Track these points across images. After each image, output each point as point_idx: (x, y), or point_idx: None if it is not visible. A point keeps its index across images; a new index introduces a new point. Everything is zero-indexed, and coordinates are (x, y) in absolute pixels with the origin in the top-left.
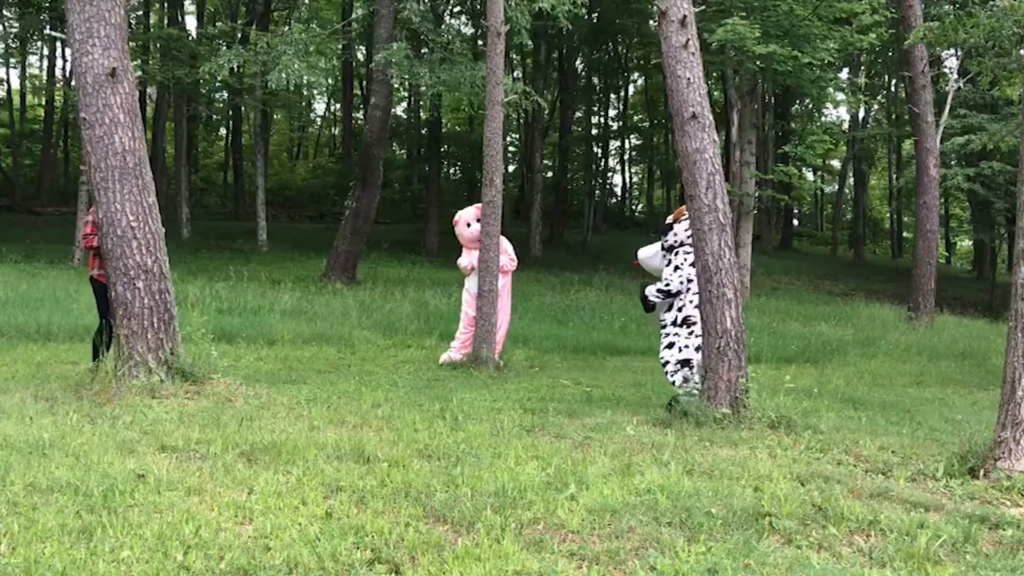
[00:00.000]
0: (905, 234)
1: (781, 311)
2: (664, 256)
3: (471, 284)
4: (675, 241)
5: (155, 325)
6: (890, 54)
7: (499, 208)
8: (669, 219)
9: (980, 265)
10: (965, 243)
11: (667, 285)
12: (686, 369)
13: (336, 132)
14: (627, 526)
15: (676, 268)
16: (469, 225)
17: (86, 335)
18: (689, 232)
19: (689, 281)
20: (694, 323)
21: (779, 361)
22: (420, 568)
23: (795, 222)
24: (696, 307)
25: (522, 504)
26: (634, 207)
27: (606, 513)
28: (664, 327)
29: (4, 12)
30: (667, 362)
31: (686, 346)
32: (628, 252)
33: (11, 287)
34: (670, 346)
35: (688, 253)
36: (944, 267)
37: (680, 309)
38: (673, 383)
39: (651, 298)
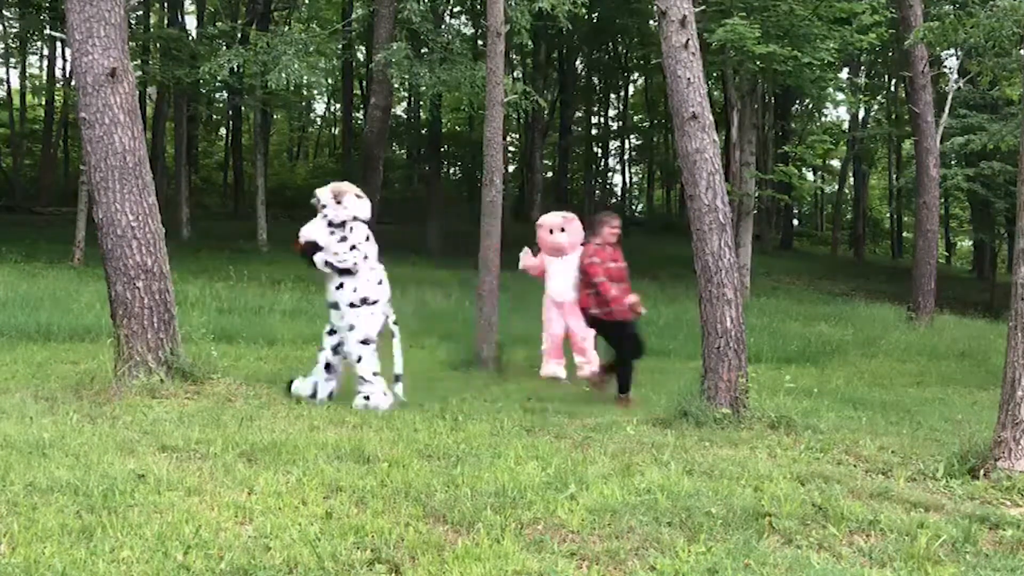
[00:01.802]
0: (905, 234)
1: (781, 311)
2: (333, 231)
3: (551, 288)
4: (347, 216)
5: (155, 325)
6: (890, 54)
7: (499, 208)
8: (324, 193)
9: (980, 265)
10: (965, 243)
11: (341, 261)
12: (366, 348)
13: (336, 132)
14: (627, 526)
15: (353, 247)
16: (551, 232)
17: (86, 335)
18: (360, 208)
19: (365, 259)
20: (374, 302)
21: (779, 361)
22: (420, 568)
23: (795, 222)
24: (379, 284)
25: (522, 504)
26: (634, 207)
27: (606, 513)
28: (337, 308)
29: (4, 12)
30: (341, 343)
31: (367, 325)
32: (629, 252)
33: (11, 287)
34: (351, 328)
35: (364, 229)
36: (944, 267)
37: (355, 290)
38: (359, 359)
39: (319, 267)
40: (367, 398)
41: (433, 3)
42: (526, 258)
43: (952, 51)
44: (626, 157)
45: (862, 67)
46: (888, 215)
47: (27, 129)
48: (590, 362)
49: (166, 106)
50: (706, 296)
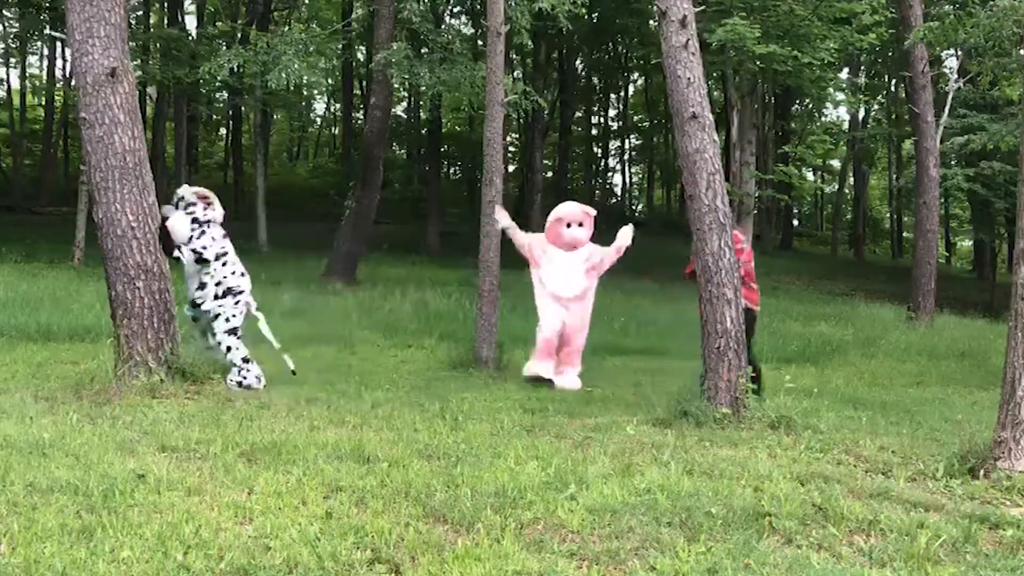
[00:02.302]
0: (905, 234)
1: (781, 311)
2: (195, 227)
3: (553, 283)
4: (213, 217)
5: (155, 325)
6: (890, 54)
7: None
8: (190, 194)
9: (980, 265)
10: (965, 243)
11: (203, 247)
12: (233, 337)
13: (336, 132)
14: (627, 526)
15: (214, 239)
16: (569, 226)
17: (86, 335)
18: (219, 214)
19: (223, 256)
20: (239, 292)
21: (779, 361)
22: (420, 568)
23: (795, 222)
24: (241, 275)
25: (522, 504)
26: (634, 207)
27: (606, 513)
28: (202, 303)
29: (4, 12)
30: (214, 333)
31: (233, 315)
32: (629, 252)
33: (11, 287)
34: (216, 318)
35: (220, 230)
36: (944, 267)
37: (219, 283)
38: (228, 349)
39: (183, 256)
40: (241, 381)
41: (433, 3)
42: (503, 215)
43: (952, 51)
44: (626, 157)
45: (862, 67)
46: (888, 215)
47: (27, 129)
48: (574, 367)
49: (166, 106)
50: (706, 296)
